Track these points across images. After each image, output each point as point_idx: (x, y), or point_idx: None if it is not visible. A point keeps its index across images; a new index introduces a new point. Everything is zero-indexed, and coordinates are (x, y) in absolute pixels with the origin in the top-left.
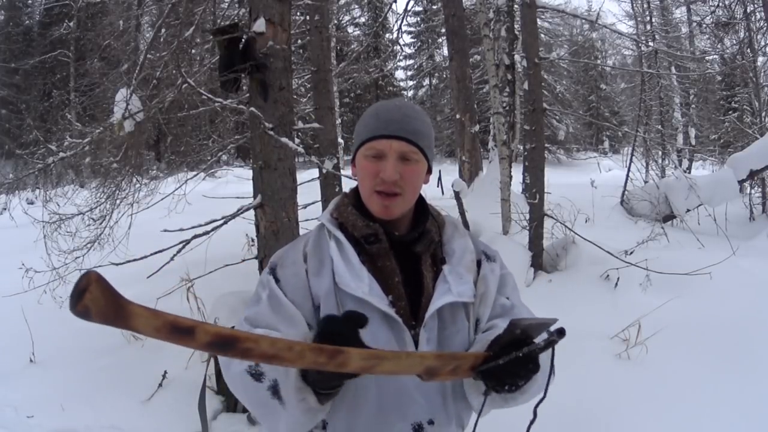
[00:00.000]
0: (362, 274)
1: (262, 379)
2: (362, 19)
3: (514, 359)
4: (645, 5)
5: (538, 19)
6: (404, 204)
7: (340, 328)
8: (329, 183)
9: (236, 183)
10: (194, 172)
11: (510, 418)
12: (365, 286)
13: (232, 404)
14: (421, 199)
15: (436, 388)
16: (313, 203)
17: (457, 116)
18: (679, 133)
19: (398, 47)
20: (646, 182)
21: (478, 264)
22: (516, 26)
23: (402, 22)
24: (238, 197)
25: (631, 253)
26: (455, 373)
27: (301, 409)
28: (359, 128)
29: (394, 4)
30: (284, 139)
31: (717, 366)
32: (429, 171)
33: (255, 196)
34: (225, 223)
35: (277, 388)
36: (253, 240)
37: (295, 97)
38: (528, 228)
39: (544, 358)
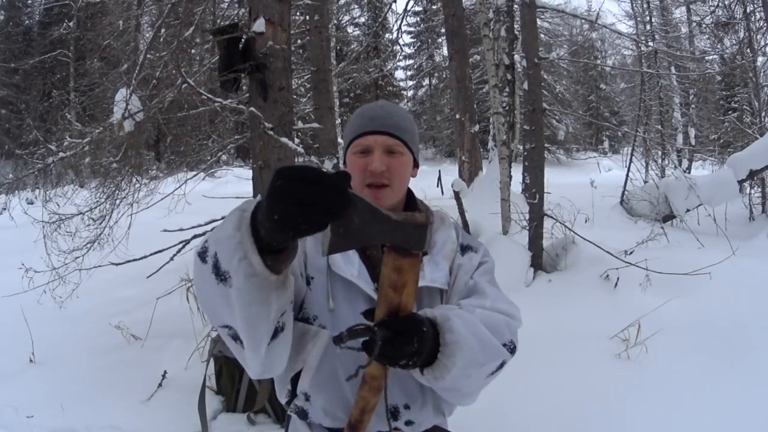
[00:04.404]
0: (353, 259)
1: (206, 259)
2: (362, 19)
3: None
4: (645, 5)
5: (537, 19)
6: (393, 195)
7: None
8: None
9: (236, 183)
10: (194, 172)
11: (512, 419)
12: (354, 270)
13: (232, 404)
14: (410, 195)
15: (412, 376)
16: None
17: (457, 116)
18: (678, 133)
19: (398, 47)
20: (645, 182)
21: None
22: (516, 26)
23: (402, 22)
24: (238, 197)
25: (631, 253)
26: None
27: (245, 273)
28: (347, 130)
29: (393, 4)
30: (284, 139)
31: (717, 366)
32: (416, 165)
33: (255, 196)
34: None
35: (217, 264)
36: None
37: (295, 97)
38: (528, 228)
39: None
